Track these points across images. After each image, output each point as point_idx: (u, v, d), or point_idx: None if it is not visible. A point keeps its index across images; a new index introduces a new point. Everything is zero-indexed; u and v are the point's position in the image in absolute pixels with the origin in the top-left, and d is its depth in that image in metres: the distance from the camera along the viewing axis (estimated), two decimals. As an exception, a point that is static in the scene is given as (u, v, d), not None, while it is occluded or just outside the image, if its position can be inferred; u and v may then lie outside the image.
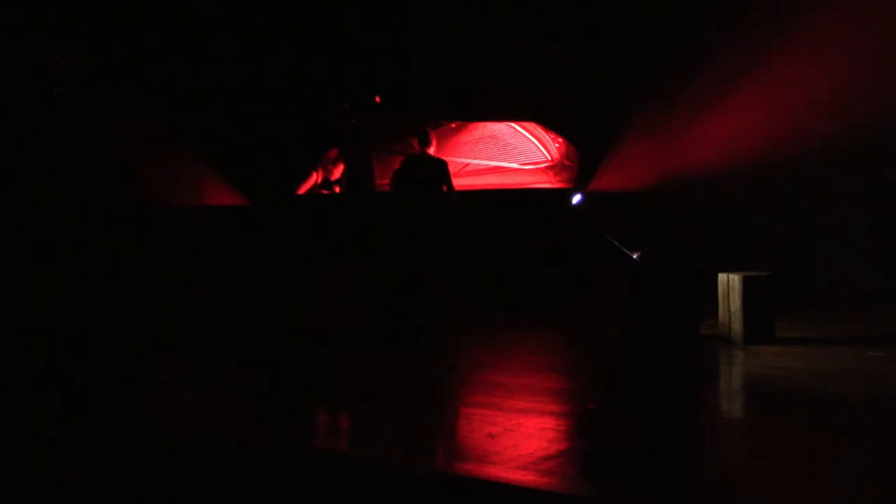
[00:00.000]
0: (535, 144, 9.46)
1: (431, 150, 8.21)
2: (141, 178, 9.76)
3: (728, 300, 6.57)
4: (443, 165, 8.13)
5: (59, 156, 9.50)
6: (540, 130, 9.37)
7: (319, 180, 9.63)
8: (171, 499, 4.05)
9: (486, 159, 9.55)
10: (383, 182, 9.29)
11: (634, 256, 7.45)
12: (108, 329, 7.95)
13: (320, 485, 3.78)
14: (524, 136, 9.45)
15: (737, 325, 6.46)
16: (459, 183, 8.48)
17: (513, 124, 9.42)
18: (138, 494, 4.12)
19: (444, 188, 8.09)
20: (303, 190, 9.68)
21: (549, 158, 9.44)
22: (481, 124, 9.51)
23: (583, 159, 9.21)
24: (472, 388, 5.45)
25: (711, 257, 7.14)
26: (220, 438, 4.23)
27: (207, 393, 5.40)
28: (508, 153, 9.53)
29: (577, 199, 8.87)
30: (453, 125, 9.49)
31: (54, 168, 9.39)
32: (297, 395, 5.30)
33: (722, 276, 6.66)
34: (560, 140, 9.29)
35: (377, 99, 9.53)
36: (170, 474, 4.13)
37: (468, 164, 9.53)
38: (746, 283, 6.45)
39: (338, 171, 9.54)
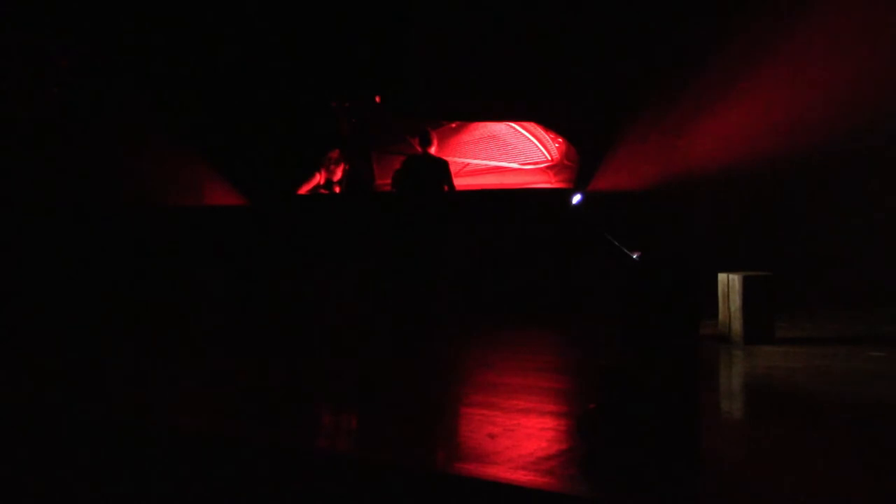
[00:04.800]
0: (535, 144, 9.46)
1: (432, 150, 8.22)
2: (141, 178, 9.76)
3: (728, 300, 6.57)
4: (443, 165, 8.13)
5: (59, 156, 9.50)
6: (540, 130, 9.37)
7: (322, 181, 9.65)
8: (172, 499, 4.05)
9: (486, 159, 9.55)
10: (384, 182, 9.30)
11: (634, 256, 7.46)
12: (108, 329, 7.95)
13: (320, 485, 3.78)
14: (524, 136, 9.45)
15: (737, 325, 6.46)
16: (459, 183, 8.48)
17: (513, 124, 9.42)
18: (139, 494, 4.12)
19: (445, 188, 8.09)
20: (304, 190, 9.68)
21: (549, 158, 9.45)
22: (481, 124, 9.51)
23: (583, 159, 9.21)
24: (472, 388, 5.45)
25: (711, 257, 7.15)
26: (220, 438, 4.22)
27: (207, 393, 5.40)
28: (508, 153, 9.53)
29: (577, 199, 8.87)
30: (453, 125, 9.49)
31: (54, 168, 9.39)
32: (297, 395, 5.30)
33: (722, 276, 6.66)
34: (560, 140, 9.29)
35: (377, 99, 9.53)
36: (170, 474, 4.13)
37: (468, 164, 9.53)
38: (746, 283, 6.45)
39: (339, 172, 9.54)
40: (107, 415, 4.71)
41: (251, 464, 3.96)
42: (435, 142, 8.26)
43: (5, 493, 4.29)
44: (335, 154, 9.56)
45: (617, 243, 7.61)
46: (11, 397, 5.17)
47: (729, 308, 6.56)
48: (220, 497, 3.98)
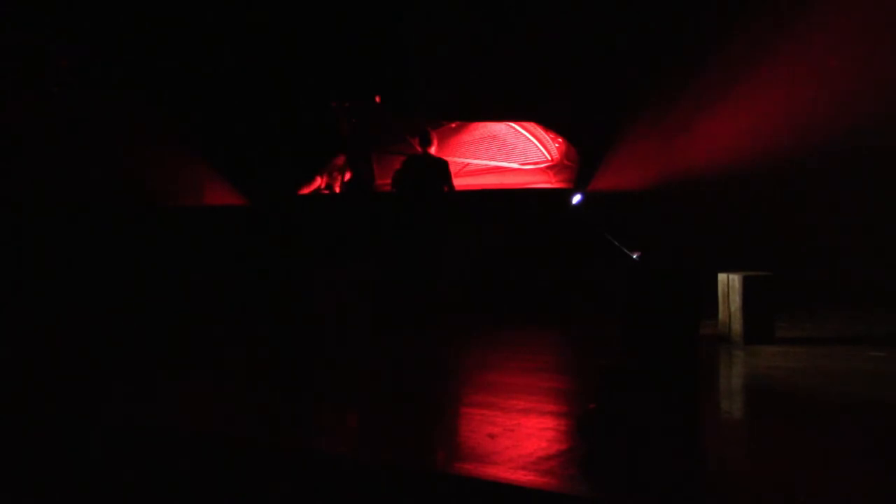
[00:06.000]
0: (535, 144, 9.46)
1: (432, 150, 8.21)
2: (141, 178, 9.76)
3: (728, 300, 6.57)
4: (444, 165, 8.13)
5: (58, 156, 9.50)
6: (540, 130, 9.37)
7: (323, 185, 9.64)
8: (173, 499, 4.05)
9: (486, 159, 9.55)
10: (384, 182, 9.30)
11: (634, 256, 7.46)
12: (109, 329, 7.95)
13: (320, 485, 3.78)
14: (524, 136, 9.45)
15: (737, 325, 6.46)
16: (459, 183, 8.48)
17: (513, 124, 9.42)
18: (138, 494, 4.12)
19: (445, 188, 8.09)
20: (305, 191, 9.68)
21: (549, 158, 9.45)
22: (481, 124, 9.51)
23: (583, 159, 9.21)
24: (472, 388, 5.45)
25: (711, 257, 7.15)
26: (220, 438, 4.22)
27: (208, 393, 5.40)
28: (508, 153, 9.53)
29: (577, 199, 8.87)
30: (453, 125, 9.49)
31: (54, 168, 9.40)
32: (297, 395, 5.30)
33: (722, 276, 6.66)
34: (560, 140, 9.29)
35: (377, 99, 9.53)
36: (170, 474, 4.13)
37: (468, 164, 9.53)
38: (746, 283, 6.45)
39: (344, 178, 9.53)
40: (107, 415, 4.71)
41: (251, 464, 3.96)
42: (435, 142, 8.25)
43: (5, 493, 4.30)
44: (340, 161, 9.55)
45: (617, 243, 7.62)
46: (11, 397, 5.18)
47: (729, 308, 6.56)
48: (220, 497, 3.98)
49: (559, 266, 8.56)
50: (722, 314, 6.62)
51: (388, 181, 8.64)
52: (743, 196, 9.24)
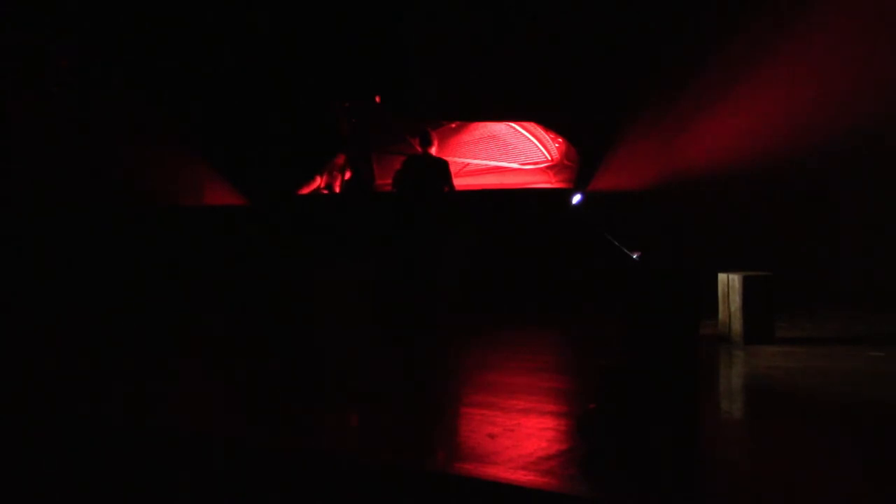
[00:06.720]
0: (535, 144, 9.46)
1: (432, 150, 8.21)
2: (141, 179, 9.76)
3: (728, 300, 6.57)
4: (444, 165, 8.13)
5: (58, 156, 9.50)
6: (540, 130, 9.37)
7: (323, 185, 9.64)
8: (172, 499, 4.05)
9: (486, 159, 9.56)
10: (384, 182, 9.30)
11: (634, 256, 7.46)
12: (109, 329, 7.94)
13: (320, 485, 3.78)
14: (524, 136, 9.46)
15: (737, 325, 6.46)
16: (459, 183, 8.48)
17: (513, 124, 9.43)
18: (138, 494, 4.12)
19: (445, 188, 8.09)
20: (305, 191, 9.68)
21: (549, 158, 9.45)
22: (481, 124, 9.51)
23: (583, 159, 9.21)
24: (472, 388, 5.45)
25: (711, 257, 7.15)
26: (219, 438, 4.22)
27: (207, 393, 5.40)
28: (508, 153, 9.53)
29: (577, 199, 8.87)
30: (453, 125, 9.49)
31: (54, 168, 9.40)
32: (297, 395, 5.30)
33: (722, 276, 6.66)
34: (560, 140, 9.29)
35: (377, 99, 9.53)
36: (170, 474, 4.13)
37: (468, 164, 9.53)
38: (746, 283, 6.45)
39: (344, 176, 9.54)
40: (106, 414, 4.71)
41: (251, 464, 3.96)
42: (435, 142, 8.25)
43: (5, 493, 4.29)
44: (340, 160, 9.54)
45: (617, 243, 7.61)
46: (11, 397, 5.17)
47: (729, 308, 6.56)
48: (220, 497, 3.98)
49: (559, 266, 8.56)
50: (722, 314, 6.62)
51: (388, 181, 8.64)
52: (743, 196, 9.23)
